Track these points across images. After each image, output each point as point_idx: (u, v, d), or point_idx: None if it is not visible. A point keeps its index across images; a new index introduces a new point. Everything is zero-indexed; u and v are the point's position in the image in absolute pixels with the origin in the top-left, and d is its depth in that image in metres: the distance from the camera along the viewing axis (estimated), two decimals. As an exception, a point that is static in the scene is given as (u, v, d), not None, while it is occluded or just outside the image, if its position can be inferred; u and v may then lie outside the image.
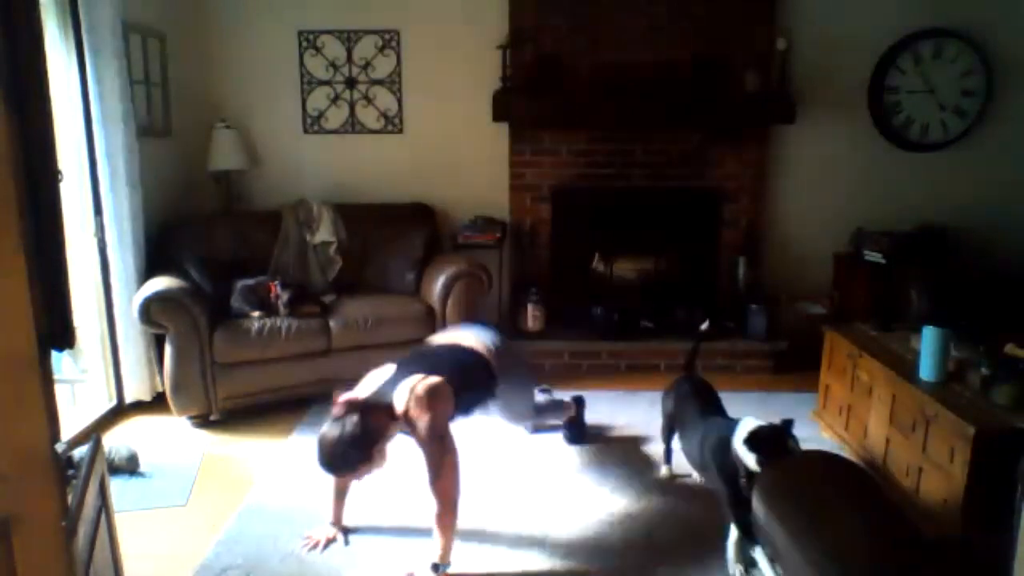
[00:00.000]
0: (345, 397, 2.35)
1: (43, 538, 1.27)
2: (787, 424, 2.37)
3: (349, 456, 2.27)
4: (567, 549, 2.56)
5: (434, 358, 2.61)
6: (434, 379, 2.41)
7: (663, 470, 3.06)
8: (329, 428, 2.27)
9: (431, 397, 2.36)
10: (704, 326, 3.20)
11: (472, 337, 2.81)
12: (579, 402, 3.44)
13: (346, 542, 2.62)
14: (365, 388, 2.51)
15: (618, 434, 3.47)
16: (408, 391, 2.37)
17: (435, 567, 2.37)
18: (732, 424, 2.47)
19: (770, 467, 2.27)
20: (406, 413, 2.35)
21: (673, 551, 2.54)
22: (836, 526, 1.86)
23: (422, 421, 2.34)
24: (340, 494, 2.67)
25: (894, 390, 2.88)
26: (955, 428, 2.45)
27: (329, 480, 2.61)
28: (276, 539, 2.62)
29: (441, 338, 2.93)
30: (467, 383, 2.56)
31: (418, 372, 2.44)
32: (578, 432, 3.39)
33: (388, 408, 2.37)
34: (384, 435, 2.34)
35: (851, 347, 3.27)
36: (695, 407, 2.75)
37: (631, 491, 2.94)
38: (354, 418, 2.26)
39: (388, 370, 2.55)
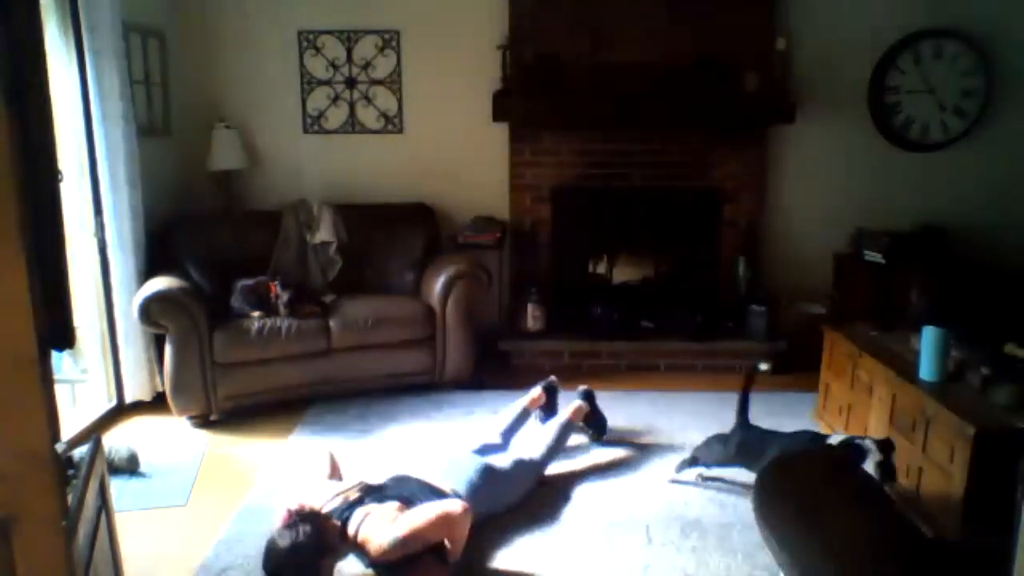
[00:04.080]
0: (299, 504, 2.25)
1: (43, 538, 1.27)
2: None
3: (299, 567, 2.15)
4: (570, 544, 2.57)
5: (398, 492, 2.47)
6: (401, 527, 2.23)
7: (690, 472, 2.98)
8: (280, 534, 2.16)
9: (403, 541, 2.20)
10: (764, 367, 2.96)
11: (445, 475, 2.64)
12: (588, 396, 3.38)
13: None
14: (314, 491, 2.44)
15: (618, 434, 3.47)
16: (370, 525, 2.25)
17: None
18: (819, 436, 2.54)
19: (771, 467, 2.27)
20: (355, 537, 2.25)
21: (672, 548, 2.54)
22: (835, 526, 1.86)
23: (376, 549, 2.21)
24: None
25: (894, 390, 2.88)
26: (955, 428, 2.45)
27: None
28: (276, 539, 2.62)
29: (416, 466, 2.74)
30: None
31: (387, 500, 2.36)
32: (598, 426, 3.35)
33: (341, 527, 2.28)
34: (333, 551, 2.24)
35: (851, 347, 3.27)
36: (776, 434, 2.74)
37: (630, 489, 2.95)
38: (307, 528, 2.16)
39: (341, 484, 2.50)
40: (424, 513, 2.27)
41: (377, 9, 4.44)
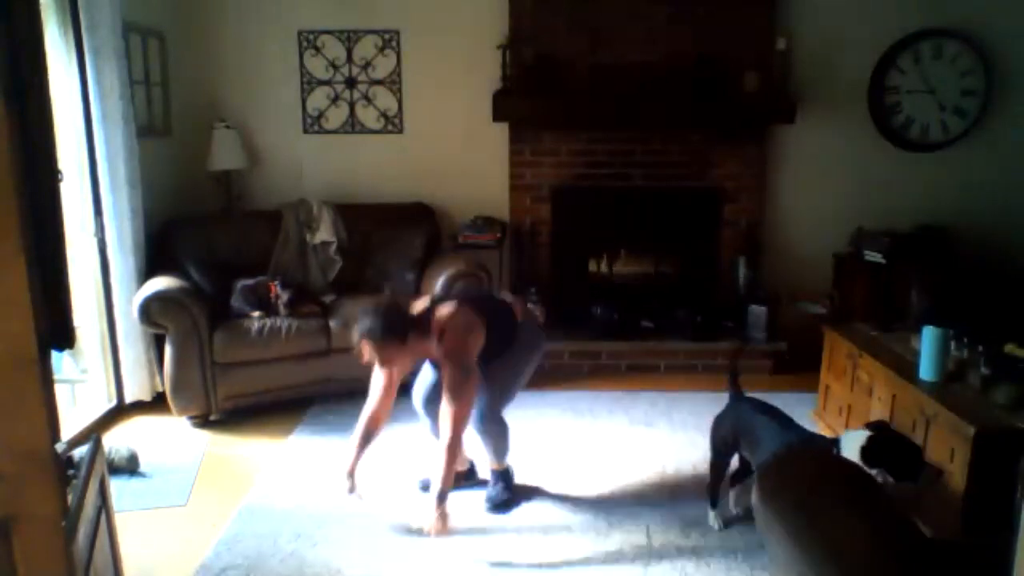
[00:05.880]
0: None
1: (43, 538, 1.27)
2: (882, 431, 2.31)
3: (387, 324, 2.43)
4: (569, 544, 2.57)
5: (474, 296, 2.82)
6: (474, 316, 2.59)
7: (711, 517, 2.69)
8: (371, 303, 2.52)
9: (467, 327, 2.55)
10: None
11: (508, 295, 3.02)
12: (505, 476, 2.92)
13: (359, 496, 2.71)
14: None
15: (617, 433, 3.47)
16: (450, 309, 2.58)
17: (440, 495, 2.48)
18: (826, 440, 2.41)
19: (772, 465, 2.27)
20: (443, 327, 2.51)
21: (672, 548, 2.54)
22: (835, 526, 1.86)
23: (452, 343, 2.50)
24: (365, 440, 2.71)
25: (894, 390, 2.88)
26: (955, 428, 2.45)
27: (353, 431, 2.73)
28: (276, 539, 2.62)
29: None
30: (496, 327, 2.68)
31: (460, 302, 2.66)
32: (502, 503, 2.83)
33: (429, 313, 2.55)
34: (421, 329, 2.50)
35: (851, 347, 3.27)
36: (770, 421, 2.49)
37: (630, 489, 2.95)
38: (397, 301, 2.54)
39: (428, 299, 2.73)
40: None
41: (377, 9, 4.44)
